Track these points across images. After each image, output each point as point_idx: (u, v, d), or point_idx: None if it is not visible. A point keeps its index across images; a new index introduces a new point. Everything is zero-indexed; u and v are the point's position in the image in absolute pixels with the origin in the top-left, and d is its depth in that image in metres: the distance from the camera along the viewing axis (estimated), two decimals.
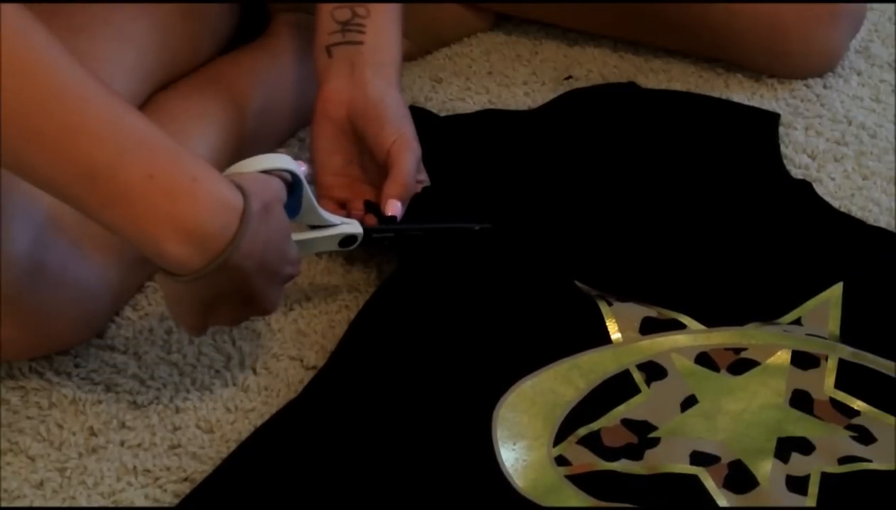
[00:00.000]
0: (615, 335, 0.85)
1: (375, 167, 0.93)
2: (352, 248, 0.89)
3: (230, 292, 0.77)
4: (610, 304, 0.87)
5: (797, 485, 0.75)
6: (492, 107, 1.14)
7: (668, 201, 0.98)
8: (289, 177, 0.81)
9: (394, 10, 0.96)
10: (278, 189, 0.79)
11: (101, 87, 0.72)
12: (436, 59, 1.21)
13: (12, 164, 0.72)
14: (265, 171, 0.80)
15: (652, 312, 0.86)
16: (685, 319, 0.86)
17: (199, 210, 0.72)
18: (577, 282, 0.89)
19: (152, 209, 0.71)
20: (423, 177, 0.95)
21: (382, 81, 0.93)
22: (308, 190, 0.83)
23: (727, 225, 0.95)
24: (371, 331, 0.87)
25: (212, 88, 1.01)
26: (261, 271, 0.77)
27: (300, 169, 0.83)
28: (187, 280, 0.74)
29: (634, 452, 0.77)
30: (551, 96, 1.13)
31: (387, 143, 0.91)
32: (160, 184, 0.71)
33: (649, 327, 0.85)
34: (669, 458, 0.76)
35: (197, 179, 0.72)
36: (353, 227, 0.88)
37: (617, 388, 0.81)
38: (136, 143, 0.72)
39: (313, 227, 0.86)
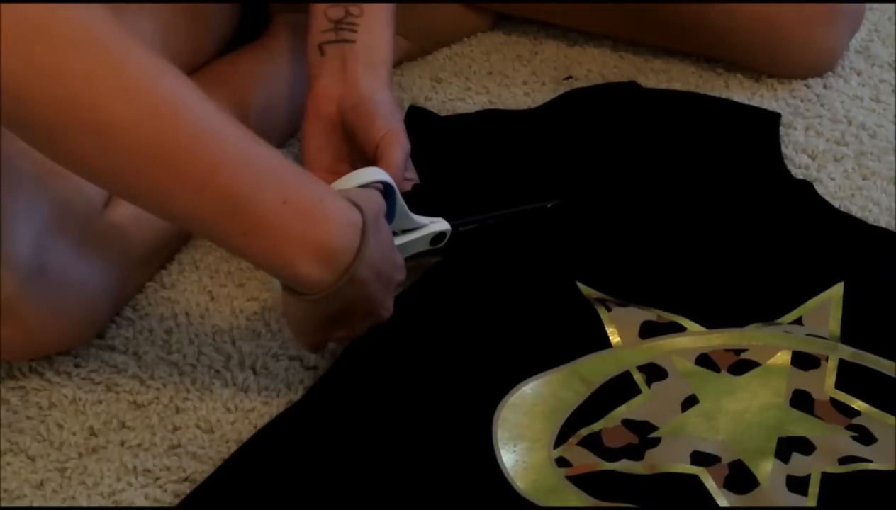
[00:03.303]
0: (615, 339, 0.85)
1: (365, 164, 0.93)
2: (441, 245, 0.91)
3: (354, 305, 0.79)
4: (609, 310, 0.87)
5: (797, 485, 0.75)
6: (492, 107, 1.14)
7: (669, 201, 0.98)
8: (381, 187, 0.84)
9: (387, 10, 0.96)
10: (380, 201, 0.82)
11: (232, 120, 0.74)
12: (436, 59, 1.21)
13: (150, 201, 0.74)
14: (362, 186, 0.83)
15: (651, 316, 0.86)
16: (685, 322, 0.86)
17: (329, 230, 0.75)
18: (578, 283, 0.89)
19: (288, 233, 0.74)
20: (412, 175, 0.95)
21: (374, 79, 0.94)
22: (401, 198, 0.86)
23: (728, 225, 0.95)
24: (375, 335, 0.87)
25: (212, 89, 1.00)
26: (378, 280, 0.80)
27: (391, 179, 0.85)
28: (318, 298, 0.76)
29: (635, 452, 0.77)
30: (551, 96, 1.13)
31: (376, 137, 0.91)
32: (293, 208, 0.74)
33: (649, 331, 0.85)
34: (670, 458, 0.76)
35: (323, 200, 0.76)
36: (441, 224, 0.91)
37: (617, 389, 0.81)
38: (268, 171, 0.74)
39: (405, 231, 0.89)
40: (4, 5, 0.65)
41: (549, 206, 0.97)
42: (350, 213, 0.77)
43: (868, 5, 1.21)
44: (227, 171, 0.72)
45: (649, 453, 0.77)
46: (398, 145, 0.91)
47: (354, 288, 0.77)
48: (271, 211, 0.73)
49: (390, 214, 0.85)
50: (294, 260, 0.74)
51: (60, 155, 0.72)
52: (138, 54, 0.71)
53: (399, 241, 0.87)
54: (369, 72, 0.94)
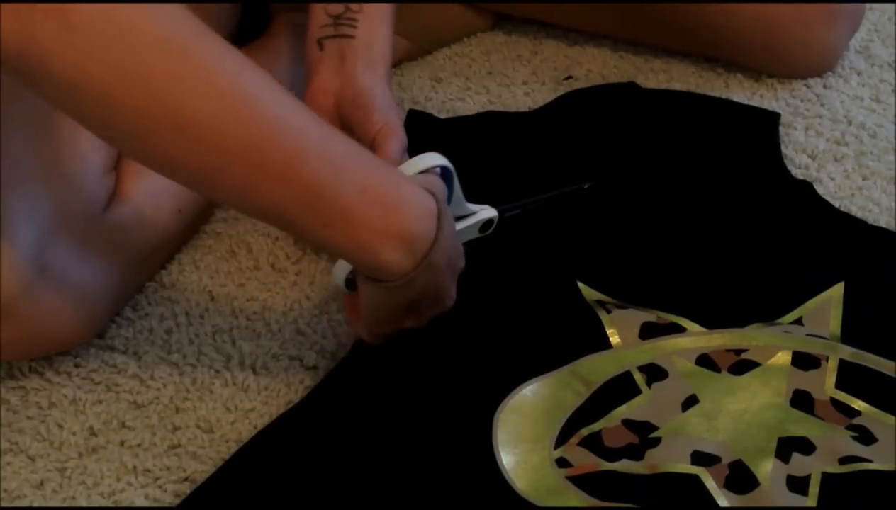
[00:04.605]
0: (615, 341, 0.85)
1: None
2: (489, 232, 0.91)
3: (427, 292, 0.80)
4: (609, 312, 0.87)
5: (798, 485, 0.75)
6: (492, 107, 1.14)
7: (669, 201, 0.98)
8: (439, 171, 0.84)
9: (386, 8, 0.97)
10: (443, 186, 0.82)
11: (309, 112, 0.75)
12: (436, 59, 1.21)
13: (235, 197, 0.74)
14: (423, 171, 0.83)
15: (651, 317, 0.86)
16: (685, 323, 0.86)
17: (408, 216, 0.75)
18: (579, 283, 0.89)
19: (370, 222, 0.74)
20: None
21: (372, 74, 0.94)
22: (458, 182, 0.86)
23: (727, 225, 0.95)
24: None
25: None
26: (449, 267, 0.81)
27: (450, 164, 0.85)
28: (398, 284, 0.77)
29: (635, 452, 0.77)
30: (551, 96, 1.13)
31: (373, 130, 0.91)
32: (372, 197, 0.74)
33: (649, 332, 0.85)
34: (670, 458, 0.76)
35: (400, 187, 0.76)
36: (489, 211, 0.91)
37: (618, 389, 0.81)
38: (346, 161, 0.74)
39: (457, 219, 0.88)
40: (92, 8, 0.65)
41: (585, 187, 0.98)
42: (426, 199, 0.77)
43: (868, 5, 1.21)
44: (311, 162, 0.72)
45: (650, 453, 0.77)
46: (395, 138, 0.91)
47: (430, 274, 0.78)
48: (352, 200, 0.74)
49: (448, 199, 0.85)
50: (377, 248, 0.75)
51: (143, 155, 0.72)
52: (218, 50, 0.71)
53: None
54: (367, 67, 0.94)
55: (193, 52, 0.69)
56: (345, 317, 0.92)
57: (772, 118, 1.07)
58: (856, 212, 0.99)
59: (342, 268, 0.83)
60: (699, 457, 0.76)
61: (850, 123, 1.09)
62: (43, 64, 0.66)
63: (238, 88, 0.71)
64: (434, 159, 0.84)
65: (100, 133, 0.72)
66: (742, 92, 1.13)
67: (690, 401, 0.80)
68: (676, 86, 1.14)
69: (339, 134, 0.76)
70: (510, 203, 0.94)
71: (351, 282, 0.83)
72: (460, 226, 0.88)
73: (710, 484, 0.75)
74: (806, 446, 0.77)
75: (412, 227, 0.75)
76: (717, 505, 0.74)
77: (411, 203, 0.76)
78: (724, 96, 1.12)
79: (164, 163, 0.72)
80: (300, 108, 0.74)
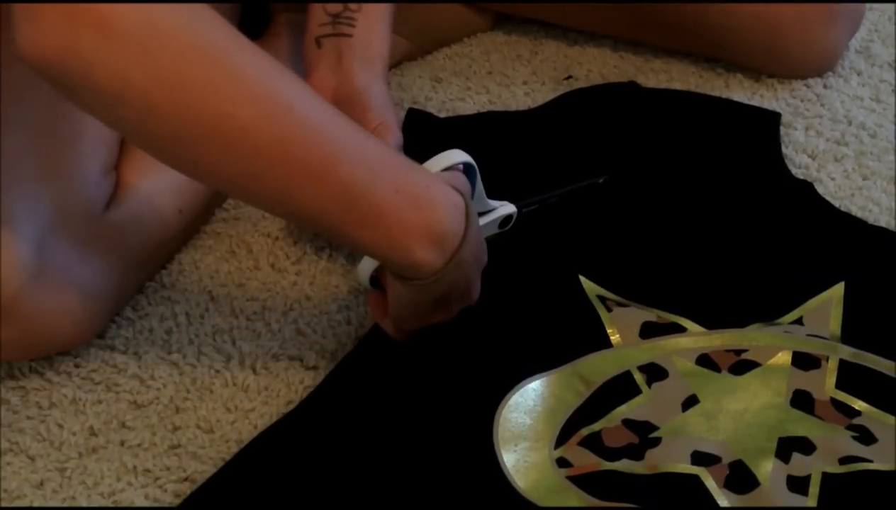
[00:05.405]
0: (615, 340, 0.85)
1: None
2: (508, 228, 0.92)
3: (456, 287, 0.81)
4: (609, 310, 0.87)
5: (798, 485, 0.75)
6: (492, 106, 1.14)
7: (669, 201, 0.98)
8: (462, 168, 0.85)
9: (385, 7, 0.97)
10: (466, 182, 0.83)
11: (342, 115, 0.76)
12: (436, 59, 1.21)
13: (273, 200, 0.75)
14: (446, 168, 0.84)
15: (651, 316, 0.86)
16: (685, 322, 0.86)
17: (439, 214, 0.76)
18: (581, 276, 0.89)
19: (404, 221, 0.75)
20: None
21: (368, 73, 0.94)
22: (480, 179, 0.87)
23: (728, 225, 0.95)
24: (378, 335, 0.87)
25: None
26: (475, 262, 0.82)
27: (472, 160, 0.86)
28: (430, 282, 0.78)
29: (635, 452, 0.77)
30: (551, 96, 1.13)
31: (368, 129, 0.91)
32: (405, 196, 0.75)
33: (649, 331, 0.85)
34: (670, 458, 0.76)
35: (430, 186, 0.77)
36: (509, 207, 0.92)
37: (618, 389, 0.81)
38: (379, 162, 0.75)
39: (478, 215, 0.89)
40: (132, 18, 0.66)
41: (600, 181, 0.99)
42: (454, 197, 0.78)
43: (868, 5, 1.21)
44: (346, 163, 0.73)
45: (650, 453, 0.77)
46: (390, 136, 0.91)
47: (459, 270, 0.79)
48: (386, 201, 0.74)
49: (471, 195, 0.85)
50: (410, 246, 0.75)
51: (183, 162, 0.73)
52: (253, 57, 0.71)
53: None
54: (364, 65, 0.94)
55: (230, 58, 0.70)
56: (370, 315, 0.91)
57: (772, 118, 1.07)
58: (856, 212, 0.99)
59: (366, 267, 0.83)
60: (699, 457, 0.76)
61: (850, 123, 1.09)
62: (85, 75, 0.66)
63: (274, 93, 0.71)
64: (458, 156, 0.85)
65: (144, 144, 0.73)
66: (742, 92, 1.13)
67: (690, 401, 0.80)
68: (676, 86, 1.14)
69: (369, 135, 0.77)
70: (520, 200, 0.94)
71: (375, 280, 0.83)
72: (481, 222, 0.88)
73: (710, 484, 0.75)
74: (806, 446, 0.77)
75: (443, 224, 0.76)
76: (717, 505, 0.74)
77: (441, 201, 0.77)
78: (724, 96, 1.12)
79: (208, 171, 0.73)
80: (333, 111, 0.75)
